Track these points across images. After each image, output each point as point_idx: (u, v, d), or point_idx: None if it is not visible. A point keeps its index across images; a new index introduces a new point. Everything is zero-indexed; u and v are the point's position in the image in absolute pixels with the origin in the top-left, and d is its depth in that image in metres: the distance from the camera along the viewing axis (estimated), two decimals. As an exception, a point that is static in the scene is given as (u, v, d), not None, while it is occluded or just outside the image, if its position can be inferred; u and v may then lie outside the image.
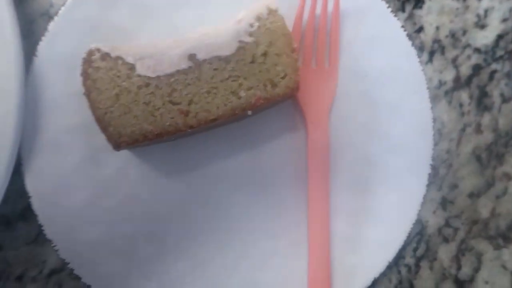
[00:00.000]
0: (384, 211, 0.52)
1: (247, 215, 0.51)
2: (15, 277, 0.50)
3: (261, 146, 0.51)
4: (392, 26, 0.52)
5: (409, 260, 0.56)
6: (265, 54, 0.46)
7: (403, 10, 0.57)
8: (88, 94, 0.44)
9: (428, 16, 0.57)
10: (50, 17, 0.50)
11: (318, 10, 0.52)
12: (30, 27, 0.49)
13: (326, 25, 0.51)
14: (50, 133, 0.47)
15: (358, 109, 0.53)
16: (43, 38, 0.46)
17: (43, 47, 0.46)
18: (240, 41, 0.45)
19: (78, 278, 0.47)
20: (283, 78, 0.46)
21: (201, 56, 0.45)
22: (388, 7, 0.52)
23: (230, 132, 0.51)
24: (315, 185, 0.49)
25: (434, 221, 0.57)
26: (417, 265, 0.56)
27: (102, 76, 0.44)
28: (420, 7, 0.57)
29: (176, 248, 0.50)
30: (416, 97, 0.52)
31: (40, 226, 0.46)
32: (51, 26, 0.45)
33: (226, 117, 0.45)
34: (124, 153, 0.49)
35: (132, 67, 0.44)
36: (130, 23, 0.48)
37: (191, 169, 0.50)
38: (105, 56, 0.44)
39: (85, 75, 0.44)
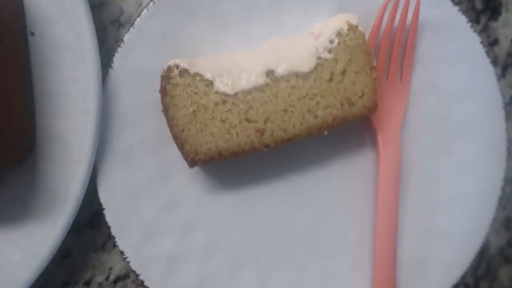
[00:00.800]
0: (451, 233, 0.51)
1: (312, 232, 0.50)
2: (84, 282, 0.51)
3: (329, 162, 0.50)
4: (470, 42, 0.50)
5: (469, 279, 0.55)
6: (343, 72, 0.45)
7: (477, 21, 0.54)
8: (166, 110, 0.43)
9: (504, 29, 0.54)
10: (120, 25, 0.49)
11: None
12: (101, 36, 0.48)
13: (403, 38, 0.49)
14: (123, 146, 0.46)
15: (428, 126, 0.51)
16: (119, 49, 0.45)
17: (118, 59, 0.45)
18: (319, 58, 0.44)
19: (142, 285, 0.48)
20: (361, 97, 0.45)
21: (279, 72, 0.44)
22: (468, 21, 0.50)
23: (297, 148, 0.50)
24: (384, 204, 0.49)
25: (496, 241, 0.56)
26: (477, 285, 0.56)
27: (180, 93, 0.43)
28: (496, 19, 0.54)
29: (241, 259, 0.50)
30: (490, 116, 0.51)
31: (110, 236, 0.47)
32: (127, 37, 0.45)
33: (302, 136, 0.44)
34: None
35: (209, 84, 0.43)
36: (206, 35, 0.47)
37: (257, 184, 0.50)
38: (184, 72, 0.43)
39: (164, 91, 0.43)
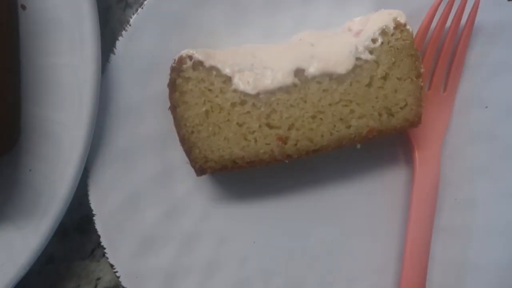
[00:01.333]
0: (485, 266, 0.45)
1: (329, 252, 0.45)
2: None
3: (355, 176, 0.44)
4: None
5: None
6: (385, 77, 0.38)
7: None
8: (174, 108, 0.37)
9: None
10: (127, 5, 0.43)
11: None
12: (104, 16, 0.42)
13: (454, 42, 0.42)
14: (120, 143, 0.41)
15: (471, 145, 0.45)
16: (123, 33, 0.39)
17: (122, 44, 0.39)
18: (358, 59, 0.38)
19: None
20: (402, 108, 0.38)
21: (310, 72, 0.37)
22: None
23: (319, 157, 0.43)
24: (415, 229, 0.43)
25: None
26: None
27: (192, 88, 0.37)
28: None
29: (247, 279, 0.44)
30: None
31: (99, 242, 0.41)
32: (134, 19, 0.38)
33: (331, 148, 0.38)
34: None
35: (227, 80, 0.37)
36: (225, 23, 0.40)
37: (270, 195, 0.44)
38: (198, 64, 0.37)
39: (173, 86, 0.37)
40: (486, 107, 0.45)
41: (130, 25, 0.39)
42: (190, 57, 0.37)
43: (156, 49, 0.40)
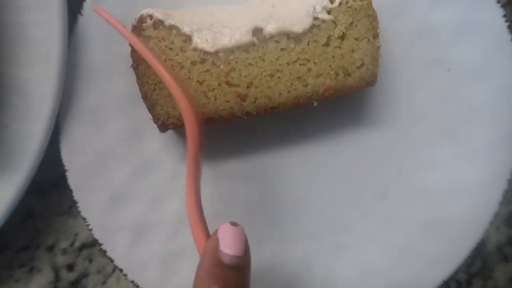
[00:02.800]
0: (446, 224, 0.46)
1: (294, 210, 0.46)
2: (46, 247, 0.47)
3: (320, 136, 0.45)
4: (492, 14, 0.43)
5: (461, 275, 0.51)
6: (342, 37, 0.39)
7: (504, -8, 0.47)
8: (136, 66, 0.38)
9: (534, 3, 0.48)
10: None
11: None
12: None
13: None
14: (91, 102, 0.42)
15: (435, 107, 0.46)
16: None
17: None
18: (316, 18, 0.39)
19: (107, 256, 0.44)
20: (359, 67, 0.39)
21: (268, 31, 0.38)
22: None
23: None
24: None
25: (495, 238, 0.51)
26: (469, 282, 0.51)
27: (153, 47, 0.38)
28: (526, -9, 0.48)
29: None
30: (507, 100, 0.45)
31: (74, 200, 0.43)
32: None
33: (288, 105, 0.39)
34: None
35: (187, 39, 0.38)
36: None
37: (238, 155, 0.45)
38: (158, 24, 0.38)
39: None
40: (449, 70, 0.45)
41: (96, -14, 0.40)
42: (151, 16, 0.38)
43: (121, 10, 0.40)
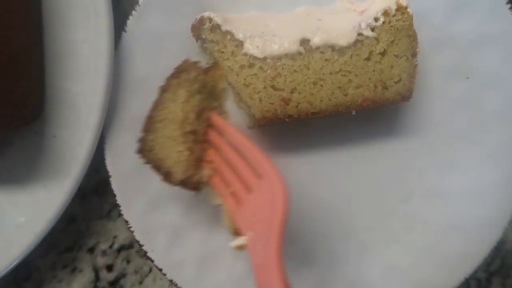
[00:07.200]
0: (465, 225, 0.48)
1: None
2: (87, 249, 0.49)
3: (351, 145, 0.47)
4: (507, 25, 0.46)
5: (481, 274, 0.52)
6: (383, 53, 0.42)
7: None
8: (163, 89, 0.41)
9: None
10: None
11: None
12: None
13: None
14: (133, 112, 0.44)
15: (453, 113, 0.48)
16: (133, 12, 0.43)
17: (133, 22, 0.43)
18: (360, 34, 0.41)
19: (147, 256, 0.45)
20: (396, 82, 0.42)
21: (314, 42, 0.41)
22: (508, 1, 0.46)
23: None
24: None
25: (514, 237, 0.52)
26: (489, 280, 0.52)
27: (207, 48, 0.41)
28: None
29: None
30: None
31: (116, 204, 0.44)
32: (143, 0, 0.43)
33: (328, 112, 0.42)
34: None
35: (239, 44, 0.41)
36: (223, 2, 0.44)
37: (277, 154, 0.46)
38: (216, 28, 0.41)
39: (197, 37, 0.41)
40: (467, 77, 0.47)
41: (139, 5, 0.43)
42: (210, 19, 0.41)
43: (163, 27, 0.43)
